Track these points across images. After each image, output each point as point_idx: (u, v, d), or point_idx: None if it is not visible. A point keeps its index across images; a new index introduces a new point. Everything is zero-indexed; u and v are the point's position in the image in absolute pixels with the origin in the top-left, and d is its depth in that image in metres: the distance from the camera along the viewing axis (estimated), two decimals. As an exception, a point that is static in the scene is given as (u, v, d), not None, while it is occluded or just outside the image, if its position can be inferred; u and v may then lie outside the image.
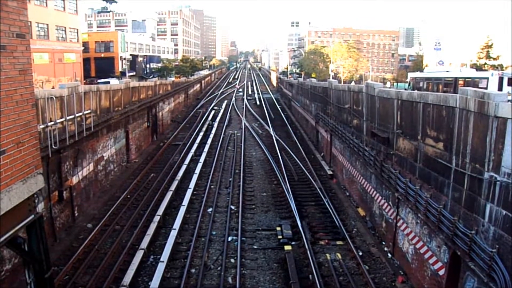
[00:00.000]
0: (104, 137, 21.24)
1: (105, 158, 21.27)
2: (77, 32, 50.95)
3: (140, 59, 74.24)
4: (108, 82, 37.78)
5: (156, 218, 15.82)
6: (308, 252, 13.69)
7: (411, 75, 36.72)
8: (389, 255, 14.37)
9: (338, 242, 15.16)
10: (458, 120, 10.38)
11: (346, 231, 15.87)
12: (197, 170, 22.52)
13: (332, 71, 67.28)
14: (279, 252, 14.19)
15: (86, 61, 56.54)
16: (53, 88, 34.57)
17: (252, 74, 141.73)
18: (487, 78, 23.84)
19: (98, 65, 63.00)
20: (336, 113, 24.44)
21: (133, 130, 26.87)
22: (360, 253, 14.29)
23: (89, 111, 17.75)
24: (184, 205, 17.27)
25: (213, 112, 46.99)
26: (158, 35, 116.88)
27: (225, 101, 58.91)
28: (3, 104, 5.86)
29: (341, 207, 18.88)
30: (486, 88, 21.86)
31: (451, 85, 26.50)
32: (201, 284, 12.12)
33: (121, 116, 23.66)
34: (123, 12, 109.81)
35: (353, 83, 50.33)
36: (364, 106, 18.77)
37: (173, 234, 14.46)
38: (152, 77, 65.70)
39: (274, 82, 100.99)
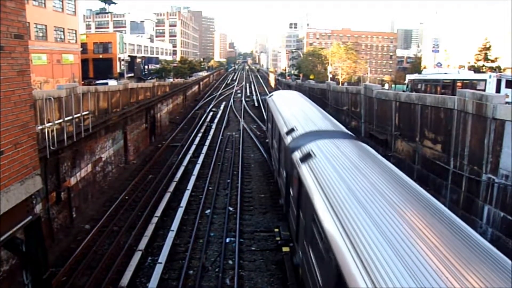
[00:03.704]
0: (102, 138, 21.21)
1: (103, 159, 21.23)
2: (76, 33, 50.95)
3: (138, 60, 74.26)
4: (107, 83, 37.79)
5: (154, 220, 15.79)
6: (306, 253, 13.66)
7: (409, 77, 36.84)
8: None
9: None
10: (456, 122, 10.41)
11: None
12: (195, 172, 22.49)
13: (330, 72, 67.42)
14: (277, 254, 14.17)
15: (84, 62, 56.54)
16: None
17: (250, 76, 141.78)
18: (485, 80, 23.93)
19: (97, 66, 63.00)
20: (334, 115, 24.45)
21: (131, 131, 26.84)
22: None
23: (87, 112, 17.72)
24: (182, 207, 17.24)
25: (211, 113, 46.99)
26: (156, 36, 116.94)
27: (224, 103, 58.93)
28: (1, 105, 5.85)
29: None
30: (484, 90, 21.92)
31: (449, 87, 26.60)
32: (199, 285, 12.09)
33: (119, 117, 23.63)
34: (121, 13, 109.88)
35: (345, 85, 50.40)
36: (362, 108, 18.81)
37: (171, 235, 14.43)
38: (150, 78, 65.70)
39: (273, 83, 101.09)
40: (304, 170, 8.98)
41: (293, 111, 17.06)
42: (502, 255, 4.63)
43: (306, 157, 9.57)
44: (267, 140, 27.04)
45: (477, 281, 4.01)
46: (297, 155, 10.38)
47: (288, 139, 12.58)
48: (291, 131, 13.26)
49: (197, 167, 23.51)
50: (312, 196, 7.62)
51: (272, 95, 24.96)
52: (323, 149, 9.78)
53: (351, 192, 6.82)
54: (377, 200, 6.32)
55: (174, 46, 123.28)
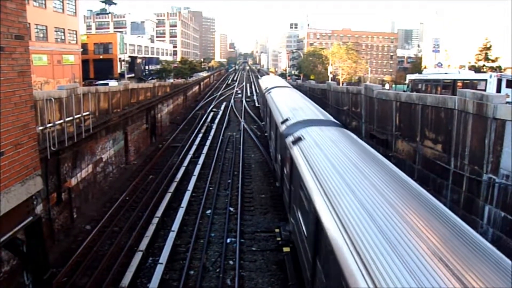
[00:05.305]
0: (103, 138, 21.22)
1: (103, 159, 21.24)
2: (76, 34, 51.02)
3: (139, 60, 74.34)
4: (107, 84, 37.81)
5: (155, 220, 15.79)
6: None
7: (409, 77, 36.84)
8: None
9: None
10: (456, 122, 10.40)
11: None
12: (196, 172, 22.49)
13: (331, 73, 67.43)
14: (278, 254, 14.17)
15: (85, 62, 56.59)
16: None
17: (251, 76, 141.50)
18: (486, 80, 23.92)
19: (97, 67, 63.06)
20: (334, 115, 24.45)
21: (131, 131, 26.85)
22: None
23: (87, 113, 17.74)
24: (182, 207, 17.25)
25: (212, 114, 46.98)
26: (156, 36, 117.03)
27: (224, 103, 58.87)
28: (1, 106, 5.86)
29: (340, 208, 18.83)
30: (484, 90, 21.91)
31: (450, 87, 26.60)
32: (200, 286, 12.09)
33: (120, 118, 23.64)
34: (122, 13, 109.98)
35: (345, 85, 50.50)
36: (363, 108, 18.82)
37: (172, 236, 14.44)
38: (150, 79, 65.77)
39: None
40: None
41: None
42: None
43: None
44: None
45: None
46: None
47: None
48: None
49: (198, 167, 23.51)
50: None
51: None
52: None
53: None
54: (359, 178, 7.28)
55: (175, 46, 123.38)
